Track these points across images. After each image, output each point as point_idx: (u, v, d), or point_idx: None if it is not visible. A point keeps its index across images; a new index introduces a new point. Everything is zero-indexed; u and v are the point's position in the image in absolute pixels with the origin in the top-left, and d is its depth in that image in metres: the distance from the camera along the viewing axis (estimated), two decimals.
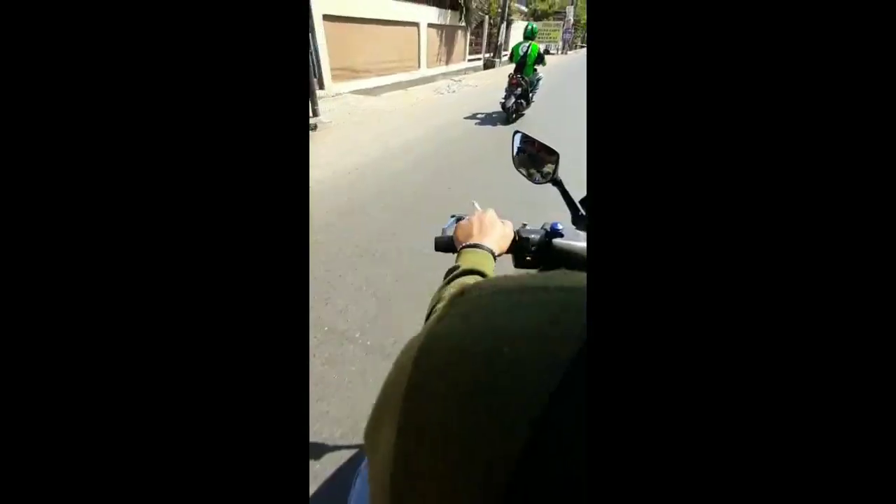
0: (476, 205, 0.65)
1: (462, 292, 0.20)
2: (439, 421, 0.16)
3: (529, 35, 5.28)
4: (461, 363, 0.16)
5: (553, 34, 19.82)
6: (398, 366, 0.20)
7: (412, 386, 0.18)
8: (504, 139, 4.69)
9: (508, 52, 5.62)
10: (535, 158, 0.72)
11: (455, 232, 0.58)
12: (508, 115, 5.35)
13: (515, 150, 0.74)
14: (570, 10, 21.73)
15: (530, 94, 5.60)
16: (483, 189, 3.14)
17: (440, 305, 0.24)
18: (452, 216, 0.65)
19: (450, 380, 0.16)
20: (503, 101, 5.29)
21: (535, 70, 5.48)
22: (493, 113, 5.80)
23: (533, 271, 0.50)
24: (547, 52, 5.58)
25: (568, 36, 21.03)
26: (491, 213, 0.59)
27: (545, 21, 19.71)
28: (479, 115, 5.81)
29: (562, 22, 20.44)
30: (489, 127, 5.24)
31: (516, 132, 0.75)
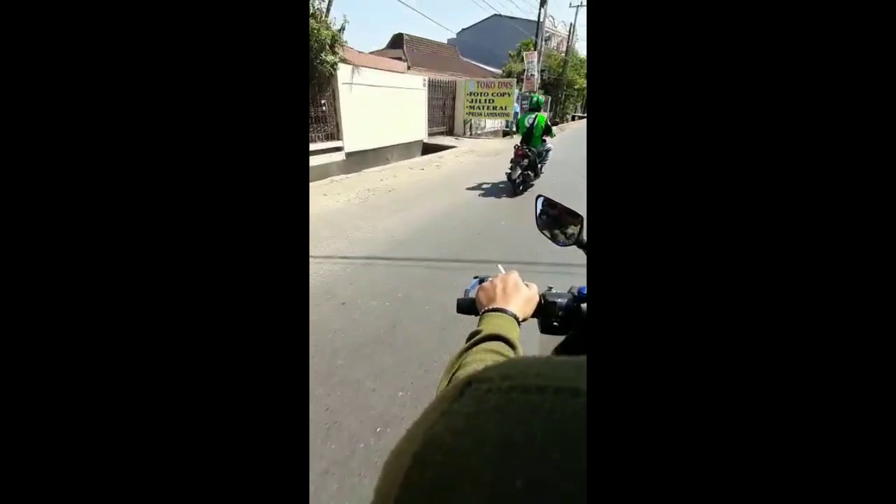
0: (500, 267, 0.65)
1: (469, 382, 0.17)
2: None
3: (535, 106, 5.05)
4: (461, 490, 0.13)
5: (500, 102, 9.77)
6: (388, 470, 0.16)
7: (402, 500, 0.14)
8: (504, 210, 4.27)
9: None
10: (558, 221, 0.73)
11: (477, 294, 0.57)
12: (515, 186, 4.97)
13: (538, 213, 0.76)
14: (532, 62, 11.85)
15: (539, 166, 5.24)
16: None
17: (448, 388, 0.19)
18: (475, 277, 0.64)
19: None
20: (509, 171, 4.95)
21: (544, 141, 5.18)
22: (501, 183, 5.46)
23: (560, 337, 0.50)
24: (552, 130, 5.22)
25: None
26: (514, 276, 0.56)
27: (483, 80, 10.41)
28: (484, 185, 5.49)
29: (515, 80, 10.48)
30: (493, 199, 4.87)
31: (538, 196, 0.78)
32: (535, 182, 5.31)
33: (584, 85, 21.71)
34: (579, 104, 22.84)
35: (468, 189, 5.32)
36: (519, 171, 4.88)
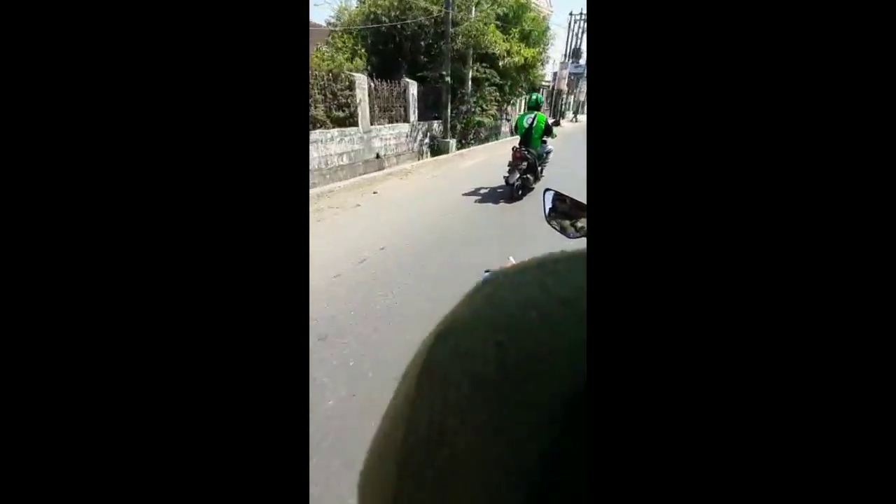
0: (512, 259, 0.64)
1: (485, 281, 0.18)
2: (459, 410, 0.13)
3: (534, 105, 4.74)
4: (484, 337, 0.14)
5: None
6: (415, 356, 0.17)
7: (425, 370, 0.15)
8: (503, 219, 3.99)
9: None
10: (568, 214, 0.74)
11: None
12: (514, 191, 4.68)
13: (547, 207, 0.76)
14: None
15: (539, 168, 4.95)
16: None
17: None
18: (486, 271, 0.63)
19: (469, 362, 0.14)
20: (507, 175, 4.66)
21: (544, 142, 4.88)
22: (499, 188, 5.17)
23: None
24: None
25: None
26: None
27: None
28: (482, 191, 5.20)
29: None
30: (490, 205, 4.59)
31: (547, 190, 0.81)
32: (535, 186, 5.02)
33: (524, 59, 8.77)
34: (515, 99, 10.73)
35: (464, 195, 5.04)
36: (517, 175, 4.58)
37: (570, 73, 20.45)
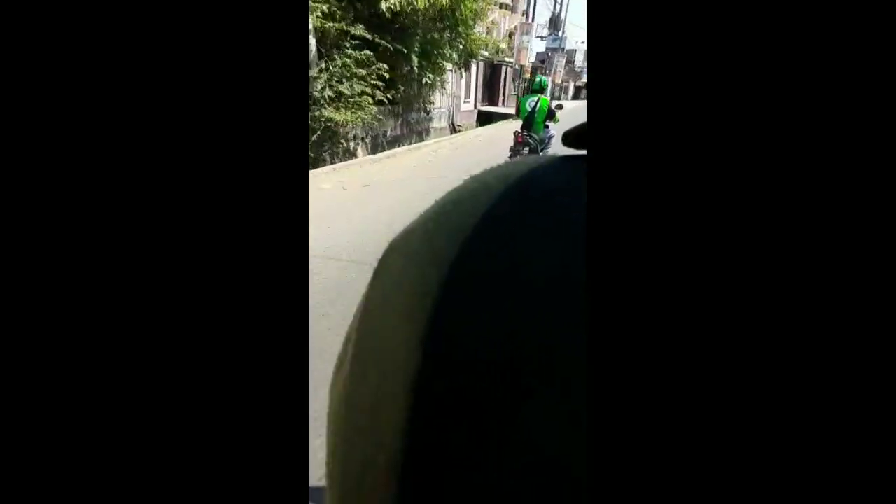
0: None
1: None
2: (393, 283, 0.15)
3: (538, 88, 4.60)
4: (419, 228, 0.16)
5: None
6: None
7: (372, 279, 0.17)
8: None
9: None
10: None
11: None
12: None
13: None
14: None
15: (540, 153, 4.88)
16: None
17: None
18: None
19: (406, 247, 0.16)
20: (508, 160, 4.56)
21: (547, 127, 4.79)
22: None
23: None
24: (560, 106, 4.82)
25: None
26: None
27: None
28: None
29: None
30: None
31: None
32: None
33: (433, 4, 5.40)
34: (437, 77, 7.23)
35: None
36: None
37: (547, 48, 19.07)
